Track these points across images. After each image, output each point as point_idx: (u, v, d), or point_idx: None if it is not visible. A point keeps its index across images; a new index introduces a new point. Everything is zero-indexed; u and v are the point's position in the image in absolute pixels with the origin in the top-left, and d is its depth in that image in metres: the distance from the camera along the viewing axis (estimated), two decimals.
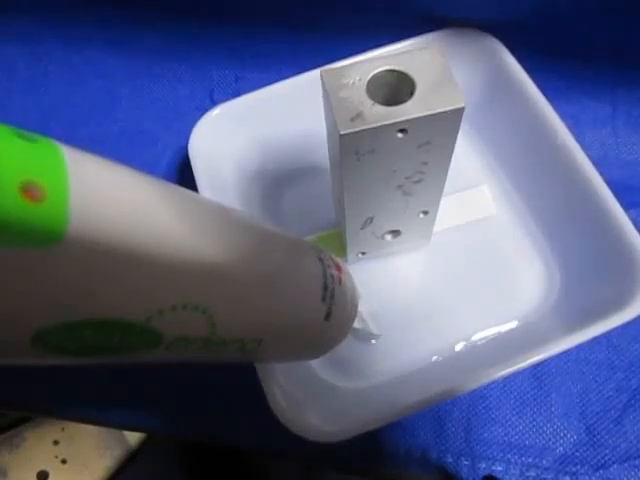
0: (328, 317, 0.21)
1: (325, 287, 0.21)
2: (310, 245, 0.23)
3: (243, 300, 0.17)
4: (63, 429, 0.57)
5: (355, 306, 0.24)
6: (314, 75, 0.31)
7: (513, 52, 0.32)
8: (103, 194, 0.13)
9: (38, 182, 0.11)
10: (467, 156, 0.34)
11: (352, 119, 0.20)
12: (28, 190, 0.10)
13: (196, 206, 0.16)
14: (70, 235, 0.11)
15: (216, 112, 0.31)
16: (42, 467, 0.55)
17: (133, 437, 0.57)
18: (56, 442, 0.56)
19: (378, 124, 0.19)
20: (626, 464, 0.27)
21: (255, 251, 0.18)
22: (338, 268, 0.23)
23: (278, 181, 0.34)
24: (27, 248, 0.10)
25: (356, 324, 0.25)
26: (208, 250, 0.15)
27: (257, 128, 0.32)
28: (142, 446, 0.57)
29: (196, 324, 0.15)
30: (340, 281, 0.22)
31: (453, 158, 0.23)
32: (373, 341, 0.29)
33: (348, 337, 0.25)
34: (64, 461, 0.56)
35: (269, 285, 0.18)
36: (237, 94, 0.32)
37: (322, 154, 0.26)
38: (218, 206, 0.18)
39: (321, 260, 0.22)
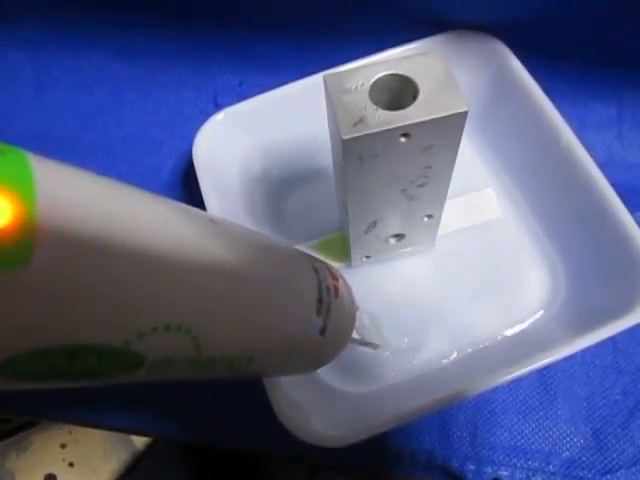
0: (323, 332, 0.20)
1: (320, 300, 0.20)
2: (305, 255, 0.22)
3: (230, 317, 0.16)
4: (70, 432, 0.57)
5: (352, 318, 0.23)
6: (317, 79, 0.31)
7: (517, 54, 0.32)
8: (75, 210, 0.12)
9: (3, 199, 0.10)
10: (471, 159, 0.34)
11: (355, 124, 0.20)
12: None
13: (180, 219, 0.15)
14: (38, 257, 0.10)
15: (220, 117, 0.31)
16: (49, 470, 0.56)
17: (139, 440, 0.57)
18: (63, 445, 0.57)
19: (381, 129, 0.19)
20: (633, 468, 0.27)
21: (243, 266, 0.17)
22: (335, 278, 0.22)
23: (282, 185, 0.34)
24: None
25: (355, 334, 0.24)
26: (191, 266, 0.14)
27: (261, 132, 0.32)
28: (148, 449, 0.57)
29: (180, 345, 0.14)
30: (337, 293, 0.21)
31: (457, 161, 0.23)
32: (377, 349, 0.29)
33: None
34: (71, 464, 0.56)
35: (259, 301, 0.17)
36: (241, 98, 0.32)
37: (326, 158, 0.26)
38: (204, 217, 0.17)
39: (316, 271, 0.21)
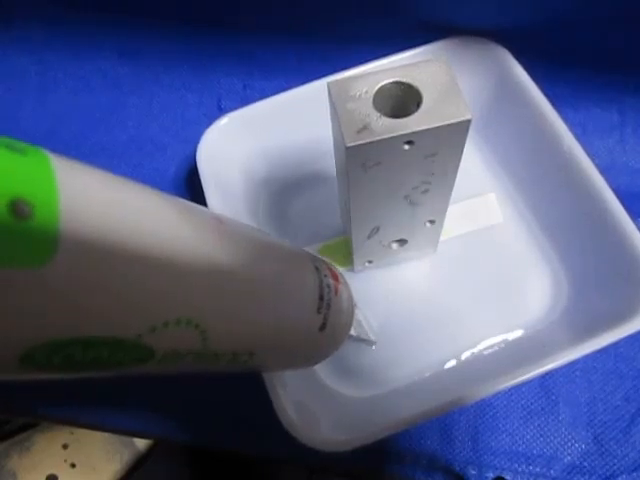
0: (323, 328, 0.21)
1: (321, 298, 0.21)
2: (306, 254, 0.22)
3: (236, 314, 0.17)
4: (72, 433, 0.57)
5: (351, 315, 0.24)
6: (321, 84, 0.31)
7: (520, 60, 0.32)
8: (95, 209, 0.12)
9: (27, 198, 0.10)
10: (474, 164, 0.34)
11: (359, 131, 0.20)
12: (17, 207, 0.10)
13: (189, 218, 0.16)
14: (60, 254, 0.11)
15: (224, 121, 0.32)
16: (51, 471, 0.56)
17: (141, 441, 0.57)
18: (65, 446, 0.57)
19: (385, 136, 0.20)
20: (634, 474, 0.27)
21: (249, 264, 0.18)
22: (335, 277, 0.23)
23: (285, 189, 0.34)
24: (15, 267, 0.10)
25: (352, 331, 0.25)
26: (201, 264, 0.15)
27: (264, 136, 0.33)
28: (150, 450, 0.57)
29: (188, 338, 0.15)
30: (337, 291, 0.22)
31: (460, 166, 0.23)
32: (373, 347, 0.29)
33: (352, 346, 0.24)
34: (73, 465, 0.56)
35: (263, 298, 0.18)
36: (245, 102, 0.32)
37: (329, 162, 0.27)
38: (212, 217, 0.18)
39: (317, 270, 0.21)
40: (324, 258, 0.31)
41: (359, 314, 0.28)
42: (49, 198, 0.11)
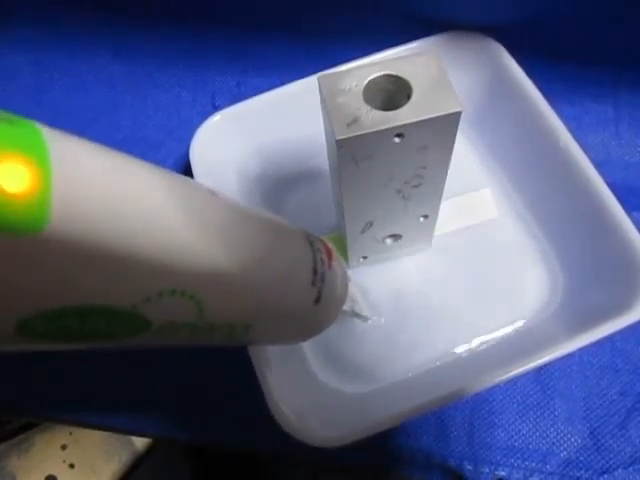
0: (318, 301, 0.21)
1: (315, 271, 0.21)
2: (299, 229, 0.23)
3: (232, 286, 0.17)
4: (71, 433, 0.57)
5: (345, 289, 0.24)
6: (313, 80, 0.31)
7: (514, 55, 0.32)
8: (88, 178, 0.12)
9: (19, 167, 0.10)
10: (468, 159, 0.34)
11: (349, 124, 0.20)
12: (9, 175, 0.10)
13: (183, 190, 0.16)
14: (54, 222, 0.11)
15: (216, 118, 0.31)
16: (50, 471, 0.56)
17: (140, 441, 0.57)
18: (64, 447, 0.57)
19: (375, 129, 0.19)
20: (630, 468, 0.27)
21: (243, 236, 0.18)
22: (328, 252, 0.23)
23: (279, 186, 0.34)
24: (9, 235, 0.10)
25: (346, 307, 0.25)
26: (195, 235, 0.15)
27: (258, 133, 0.32)
28: (149, 450, 0.57)
29: (184, 310, 0.15)
30: (330, 264, 0.22)
31: (454, 161, 0.23)
32: (369, 322, 0.29)
33: (349, 342, 0.24)
34: (72, 465, 0.56)
35: (258, 270, 0.18)
36: (239, 99, 0.32)
37: (323, 158, 0.26)
38: (206, 190, 0.18)
39: (311, 243, 0.22)
40: None
41: (354, 290, 0.27)
42: (41, 166, 0.11)
